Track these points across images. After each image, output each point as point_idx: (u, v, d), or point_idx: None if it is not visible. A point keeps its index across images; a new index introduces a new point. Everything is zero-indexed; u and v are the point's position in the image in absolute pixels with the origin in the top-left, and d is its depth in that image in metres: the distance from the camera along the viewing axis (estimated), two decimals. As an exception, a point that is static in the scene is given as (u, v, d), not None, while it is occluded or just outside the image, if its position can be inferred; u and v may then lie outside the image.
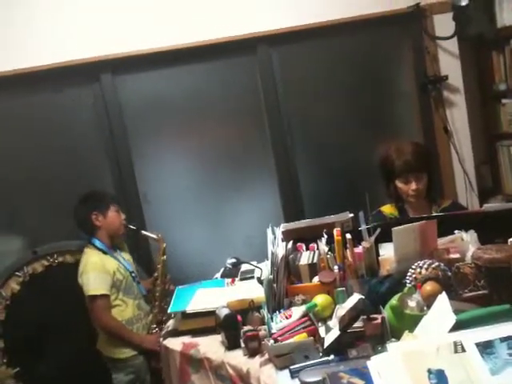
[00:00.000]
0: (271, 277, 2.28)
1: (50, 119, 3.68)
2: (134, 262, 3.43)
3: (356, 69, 3.85)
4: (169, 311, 2.57)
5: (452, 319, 1.58)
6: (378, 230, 2.25)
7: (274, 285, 2.28)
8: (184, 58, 3.68)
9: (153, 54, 3.58)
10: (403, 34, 3.84)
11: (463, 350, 1.49)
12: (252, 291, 2.46)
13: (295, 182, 3.86)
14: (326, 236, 2.40)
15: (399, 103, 3.92)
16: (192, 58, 3.71)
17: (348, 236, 2.28)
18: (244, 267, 2.84)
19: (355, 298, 2.10)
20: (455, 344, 1.50)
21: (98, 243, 3.18)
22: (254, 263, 2.72)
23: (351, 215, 2.55)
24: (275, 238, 2.47)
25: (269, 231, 2.52)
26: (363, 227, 2.28)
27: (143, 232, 3.39)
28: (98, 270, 3.07)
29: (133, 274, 3.25)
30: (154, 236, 3.35)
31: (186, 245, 3.85)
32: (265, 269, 2.60)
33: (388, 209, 2.92)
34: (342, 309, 2.09)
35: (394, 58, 3.92)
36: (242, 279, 2.76)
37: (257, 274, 2.73)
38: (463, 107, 3.77)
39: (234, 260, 2.66)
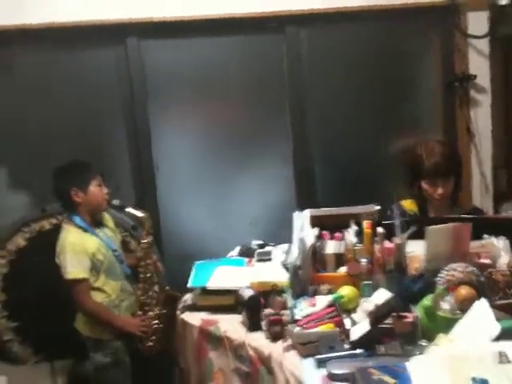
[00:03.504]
0: (298, 263, 2.27)
1: (70, 78, 3.55)
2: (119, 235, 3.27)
3: (383, 58, 3.78)
4: (188, 285, 2.55)
5: (497, 328, 1.58)
6: (413, 229, 2.23)
7: (300, 271, 2.28)
8: (211, 29, 3.58)
9: (181, 22, 3.48)
10: (434, 27, 3.77)
11: (508, 361, 1.49)
12: (273, 274, 2.46)
13: (311, 167, 3.81)
14: (355, 227, 2.39)
15: (423, 98, 3.85)
16: (219, 31, 3.61)
17: (380, 230, 2.27)
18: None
19: (382, 293, 2.10)
20: (500, 354, 1.50)
21: (77, 220, 2.96)
22: (279, 246, 2.70)
23: (378, 207, 2.54)
24: (302, 223, 2.45)
25: (295, 216, 2.50)
26: (397, 222, 2.27)
27: (127, 209, 3.11)
28: (77, 251, 2.88)
29: (116, 253, 3.05)
30: (140, 214, 3.10)
31: (193, 220, 3.81)
32: (284, 253, 2.61)
33: (408, 204, 2.89)
34: (368, 302, 2.09)
35: (423, 51, 3.84)
36: (258, 260, 2.76)
37: (274, 256, 2.74)
38: (488, 109, 3.73)
39: (260, 242, 2.65)
